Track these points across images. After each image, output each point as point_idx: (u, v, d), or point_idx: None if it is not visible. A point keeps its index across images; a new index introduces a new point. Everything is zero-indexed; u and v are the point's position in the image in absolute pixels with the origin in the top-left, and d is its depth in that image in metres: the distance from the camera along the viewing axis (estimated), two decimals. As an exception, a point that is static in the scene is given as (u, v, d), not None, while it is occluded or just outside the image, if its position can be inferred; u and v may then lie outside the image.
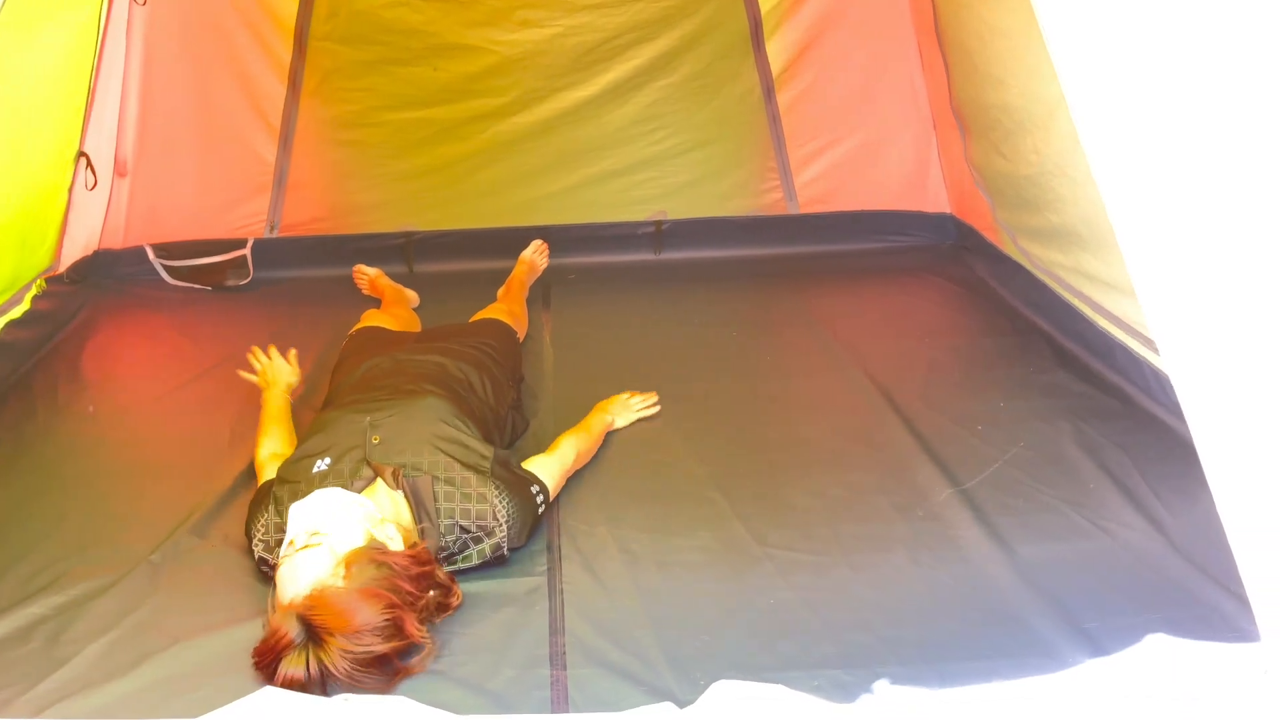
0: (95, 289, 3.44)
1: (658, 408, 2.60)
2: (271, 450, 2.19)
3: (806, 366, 2.92)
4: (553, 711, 1.63)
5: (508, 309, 3.00)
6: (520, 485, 2.03)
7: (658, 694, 1.63)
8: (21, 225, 2.66)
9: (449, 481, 1.94)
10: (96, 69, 2.96)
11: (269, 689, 1.40)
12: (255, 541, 1.91)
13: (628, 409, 2.56)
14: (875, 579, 1.95)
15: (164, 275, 3.56)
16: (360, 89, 3.41)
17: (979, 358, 2.94)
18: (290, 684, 1.54)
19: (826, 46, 3.48)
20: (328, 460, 1.96)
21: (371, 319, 2.88)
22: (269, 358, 2.52)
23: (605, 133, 3.51)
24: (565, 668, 1.72)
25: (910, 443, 2.45)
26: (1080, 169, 2.49)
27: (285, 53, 3.35)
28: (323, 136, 3.46)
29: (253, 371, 2.52)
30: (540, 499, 2.06)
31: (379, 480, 1.92)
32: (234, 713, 1.37)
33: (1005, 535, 2.06)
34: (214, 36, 3.31)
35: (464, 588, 1.89)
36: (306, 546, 1.72)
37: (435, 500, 1.91)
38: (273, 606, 1.70)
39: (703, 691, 1.56)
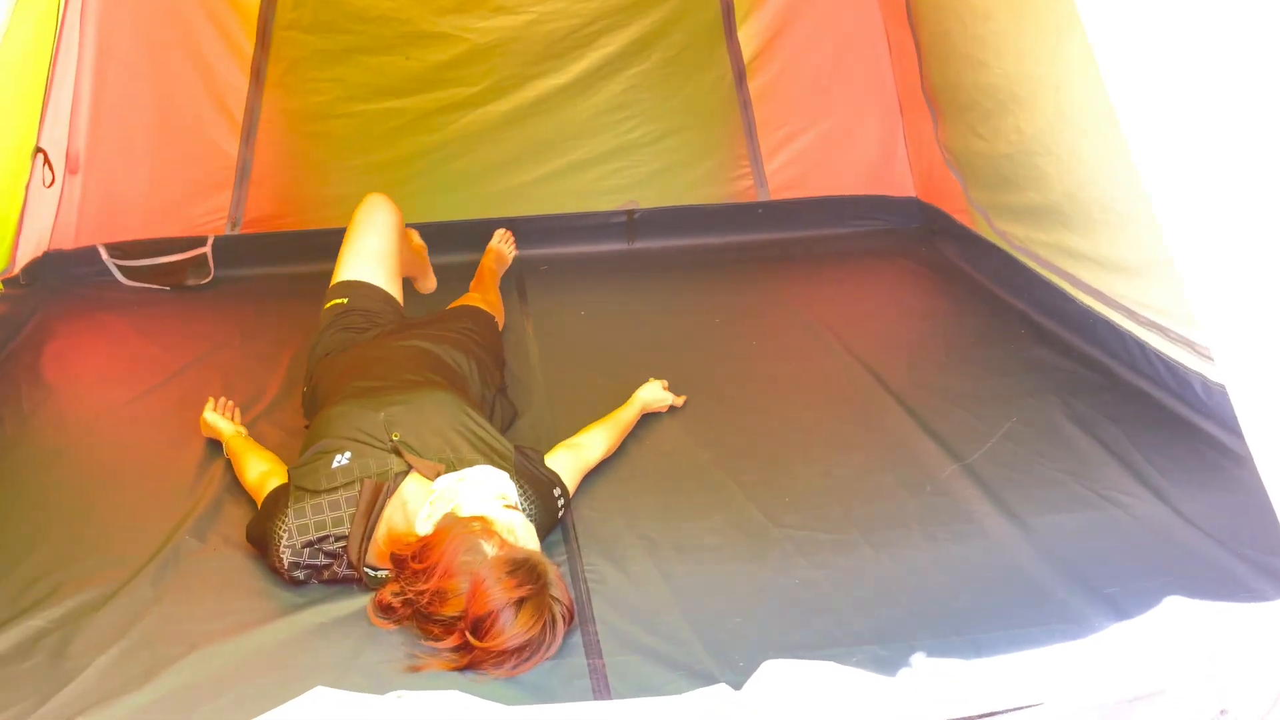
0: (47, 292, 3.30)
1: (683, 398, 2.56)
2: (261, 470, 2.10)
3: (793, 350, 2.93)
4: (595, 699, 1.60)
5: (482, 297, 2.95)
6: (543, 486, 1.99)
7: (698, 677, 1.62)
8: (-20, 226, 2.53)
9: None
10: (54, 60, 2.82)
11: (321, 689, 1.35)
12: (283, 547, 1.83)
13: (657, 391, 2.51)
14: (895, 555, 1.96)
15: (118, 276, 3.42)
16: (328, 79, 3.31)
17: (959, 337, 2.98)
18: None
19: (796, 32, 3.49)
20: (348, 455, 1.89)
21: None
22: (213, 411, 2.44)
23: (577, 122, 3.47)
24: (601, 655, 1.69)
25: (907, 421, 2.47)
26: (1065, 146, 2.55)
27: (248, 42, 3.23)
28: (288, 129, 3.36)
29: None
30: (561, 502, 2.03)
31: (409, 475, 1.86)
32: (290, 713, 1.32)
33: (1014, 508, 2.09)
34: (171, 24, 3.18)
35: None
36: (512, 507, 1.75)
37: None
38: (496, 544, 1.63)
39: (743, 672, 1.56)
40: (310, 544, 1.82)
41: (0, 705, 1.59)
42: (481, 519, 1.65)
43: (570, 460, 2.13)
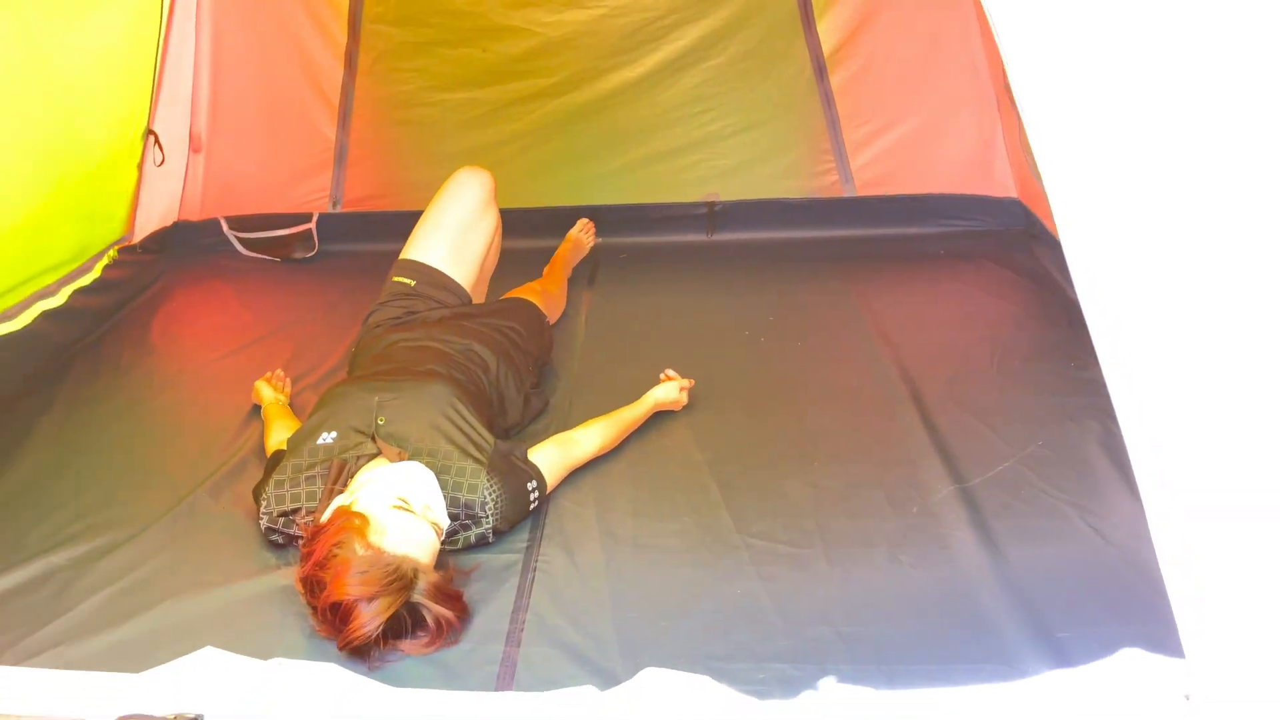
0: (174, 258, 3.65)
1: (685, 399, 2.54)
2: (278, 439, 2.27)
3: (835, 354, 2.87)
4: (497, 689, 1.67)
5: (543, 288, 3.03)
6: (517, 478, 2.07)
7: (603, 677, 1.65)
8: (84, 199, 2.85)
9: (444, 470, 1.99)
10: (163, 52, 3.12)
11: (209, 649, 1.49)
12: (261, 514, 2.01)
13: (672, 391, 2.51)
14: (850, 575, 1.92)
15: (237, 246, 3.74)
16: (412, 69, 3.50)
17: (1020, 350, 2.83)
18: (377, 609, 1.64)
19: (881, 23, 3.38)
20: (333, 435, 2.04)
21: None
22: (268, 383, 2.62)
23: (654, 114, 3.50)
24: (519, 645, 1.76)
25: (922, 437, 2.38)
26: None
27: (341, 33, 3.46)
28: (379, 115, 3.57)
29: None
30: (535, 495, 2.10)
31: (378, 458, 1.99)
32: (176, 668, 1.46)
33: (997, 537, 2.00)
34: (275, 18, 3.44)
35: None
36: (420, 516, 1.81)
37: None
38: (362, 544, 1.70)
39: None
40: (285, 514, 1.98)
41: (4, 628, 1.83)
42: (361, 516, 1.74)
43: (556, 455, 2.19)
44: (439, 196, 2.67)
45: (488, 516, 1.98)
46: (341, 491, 1.91)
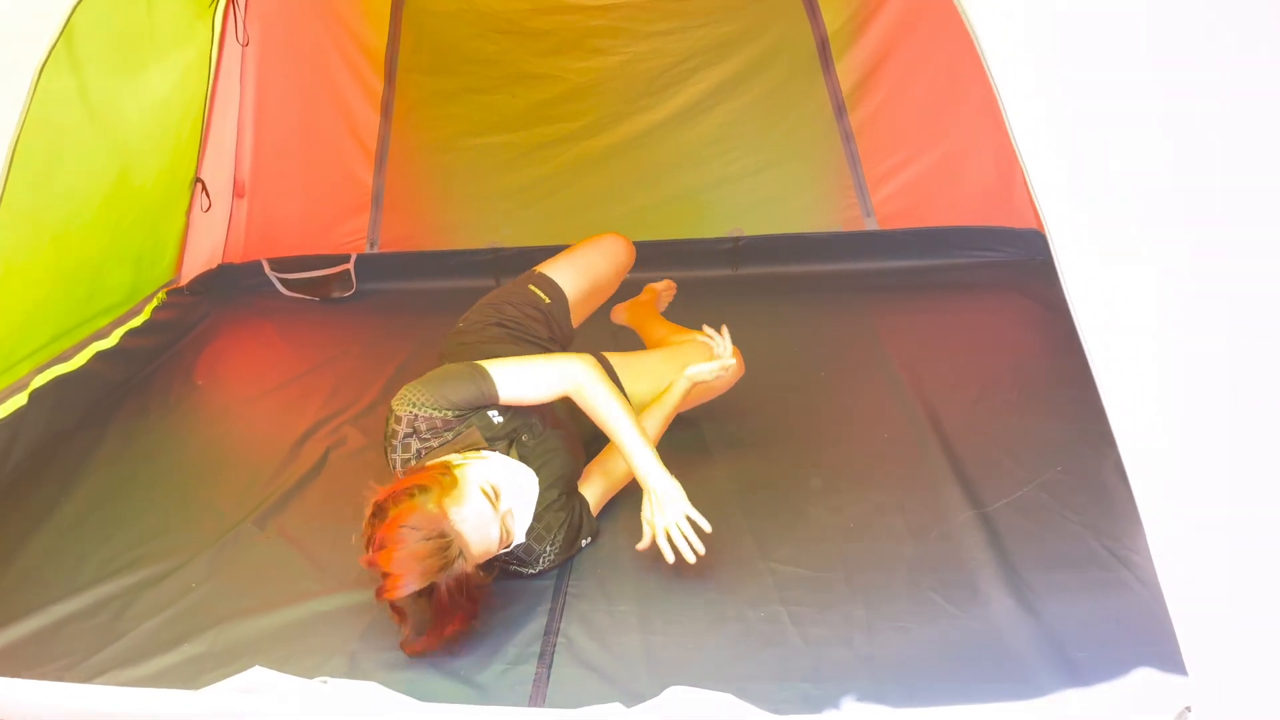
0: (219, 299, 3.79)
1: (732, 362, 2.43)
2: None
3: (858, 383, 2.94)
4: (529, 705, 1.75)
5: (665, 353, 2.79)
6: (574, 536, 2.15)
7: (631, 696, 1.72)
8: (136, 244, 2.99)
9: (539, 516, 2.05)
10: (210, 104, 3.28)
11: (259, 668, 1.58)
12: (410, 408, 2.02)
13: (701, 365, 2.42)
14: (870, 598, 1.98)
15: (279, 287, 3.87)
16: (445, 116, 3.64)
17: (1040, 377, 2.88)
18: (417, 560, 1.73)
19: (897, 62, 3.47)
20: (501, 418, 2.11)
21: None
22: None
23: (679, 153, 3.61)
24: (550, 666, 1.84)
25: (942, 463, 2.44)
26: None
27: (378, 83, 3.61)
28: (414, 160, 3.70)
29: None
30: (585, 543, 2.19)
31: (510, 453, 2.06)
32: (228, 687, 1.56)
33: (1016, 560, 2.05)
34: (316, 69, 3.60)
35: (474, 586, 2.05)
36: (497, 514, 1.87)
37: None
38: (435, 501, 1.79)
39: (665, 695, 1.66)
40: (417, 432, 2.02)
41: (60, 654, 1.93)
42: (454, 478, 1.83)
43: (601, 489, 2.28)
44: (595, 246, 2.74)
45: (534, 564, 2.07)
46: (458, 453, 1.99)
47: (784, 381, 2.97)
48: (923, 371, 2.94)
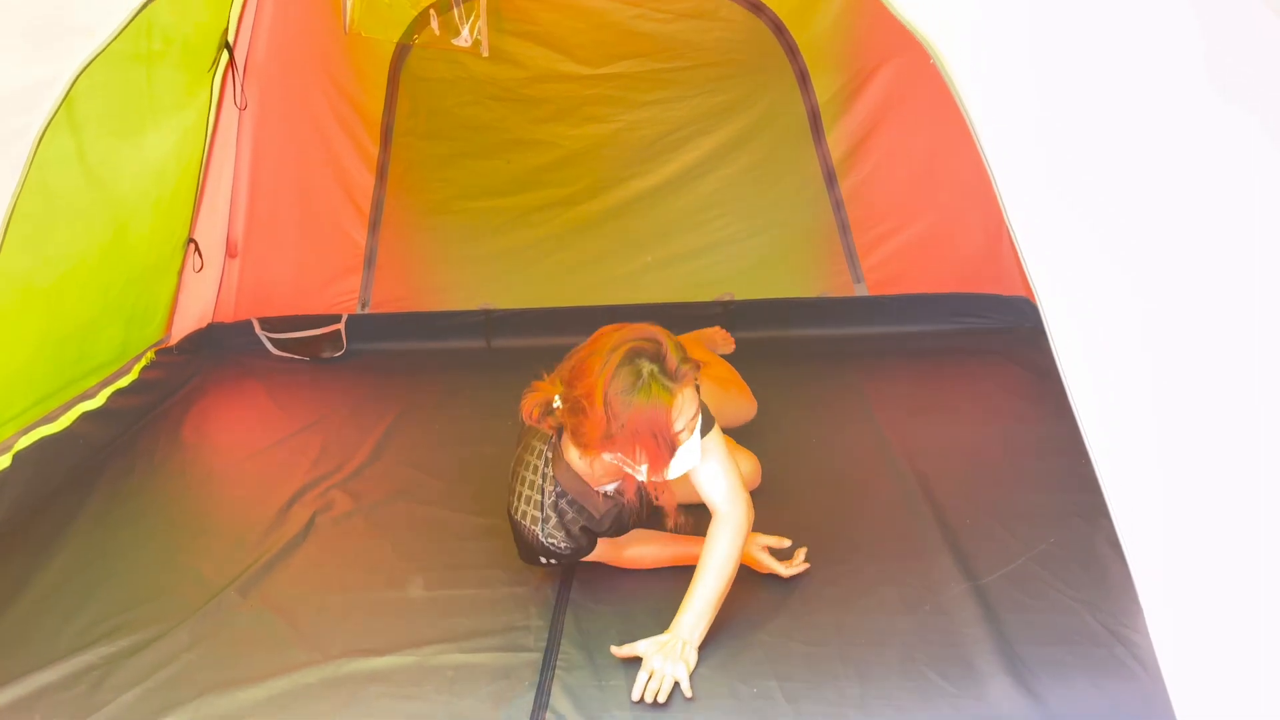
0: (208, 359, 3.77)
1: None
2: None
3: (848, 450, 2.93)
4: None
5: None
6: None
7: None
8: (128, 304, 2.98)
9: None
10: (206, 166, 3.30)
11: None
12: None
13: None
14: (864, 674, 1.95)
15: (268, 346, 3.86)
16: (440, 179, 3.66)
17: (1031, 447, 2.88)
18: None
19: (888, 132, 3.52)
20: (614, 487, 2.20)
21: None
22: None
23: (671, 219, 3.63)
24: (540, 735, 1.80)
25: (935, 533, 2.43)
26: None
27: (373, 147, 3.64)
28: (408, 222, 3.72)
29: None
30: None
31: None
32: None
33: (1011, 636, 2.03)
34: (312, 133, 3.62)
35: (461, 659, 2.02)
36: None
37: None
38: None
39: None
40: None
41: (36, 726, 1.89)
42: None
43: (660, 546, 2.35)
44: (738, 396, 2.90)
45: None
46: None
47: (774, 447, 2.95)
48: (914, 438, 2.94)
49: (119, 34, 1.63)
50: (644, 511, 2.31)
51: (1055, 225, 1.66)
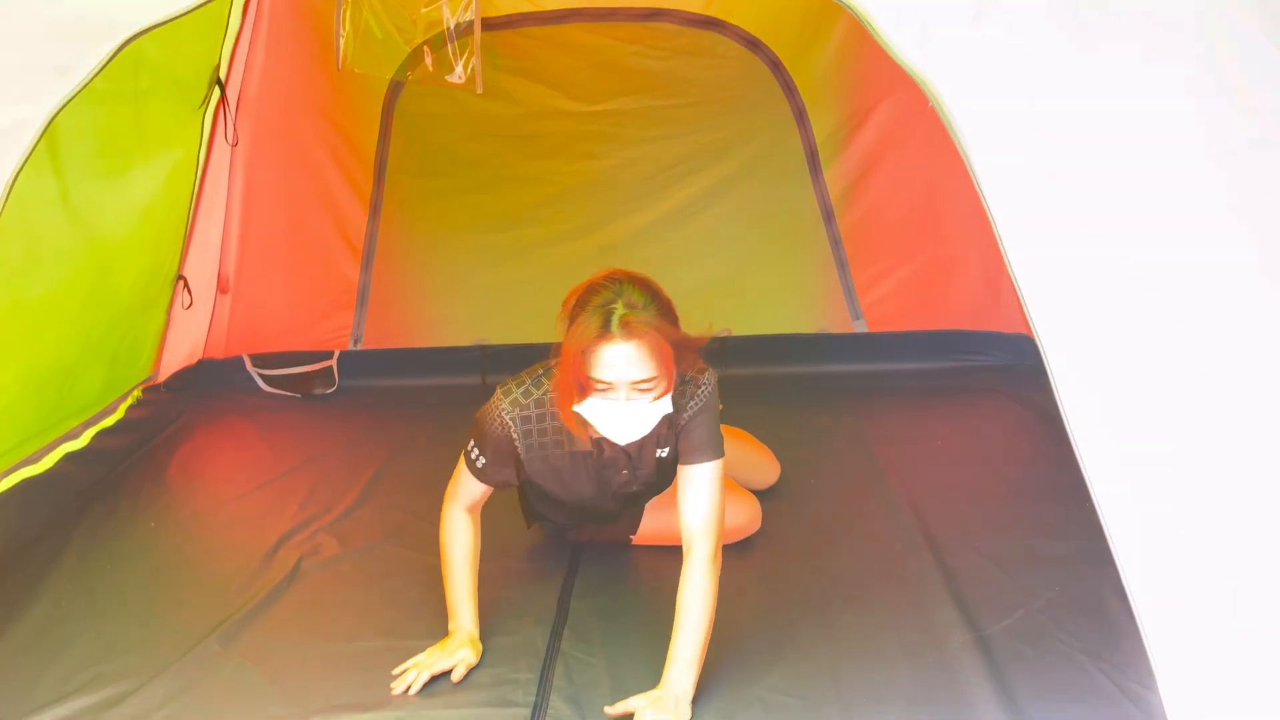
0: (197, 396, 3.71)
1: None
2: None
3: (848, 492, 2.87)
4: None
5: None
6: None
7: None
8: (112, 344, 2.93)
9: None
10: (197, 202, 3.27)
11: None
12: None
13: None
14: (864, 733, 1.89)
15: (259, 383, 3.81)
16: (434, 215, 3.63)
17: (1034, 490, 2.82)
18: None
19: (886, 170, 3.50)
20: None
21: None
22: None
23: (666, 255, 3.58)
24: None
25: (937, 580, 2.37)
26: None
27: (367, 182, 3.61)
28: (401, 257, 3.68)
29: None
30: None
31: None
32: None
33: (1016, 691, 1.96)
34: (305, 169, 3.60)
35: (446, 715, 1.95)
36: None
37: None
38: None
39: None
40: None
41: (6, 786, 1.81)
42: None
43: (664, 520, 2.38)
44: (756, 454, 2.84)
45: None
46: None
47: (771, 489, 2.90)
48: (914, 480, 2.89)
49: (98, 73, 1.59)
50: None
51: (1055, 263, 1.63)
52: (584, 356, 1.95)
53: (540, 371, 2.22)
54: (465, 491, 2.25)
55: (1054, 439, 3.13)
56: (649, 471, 2.31)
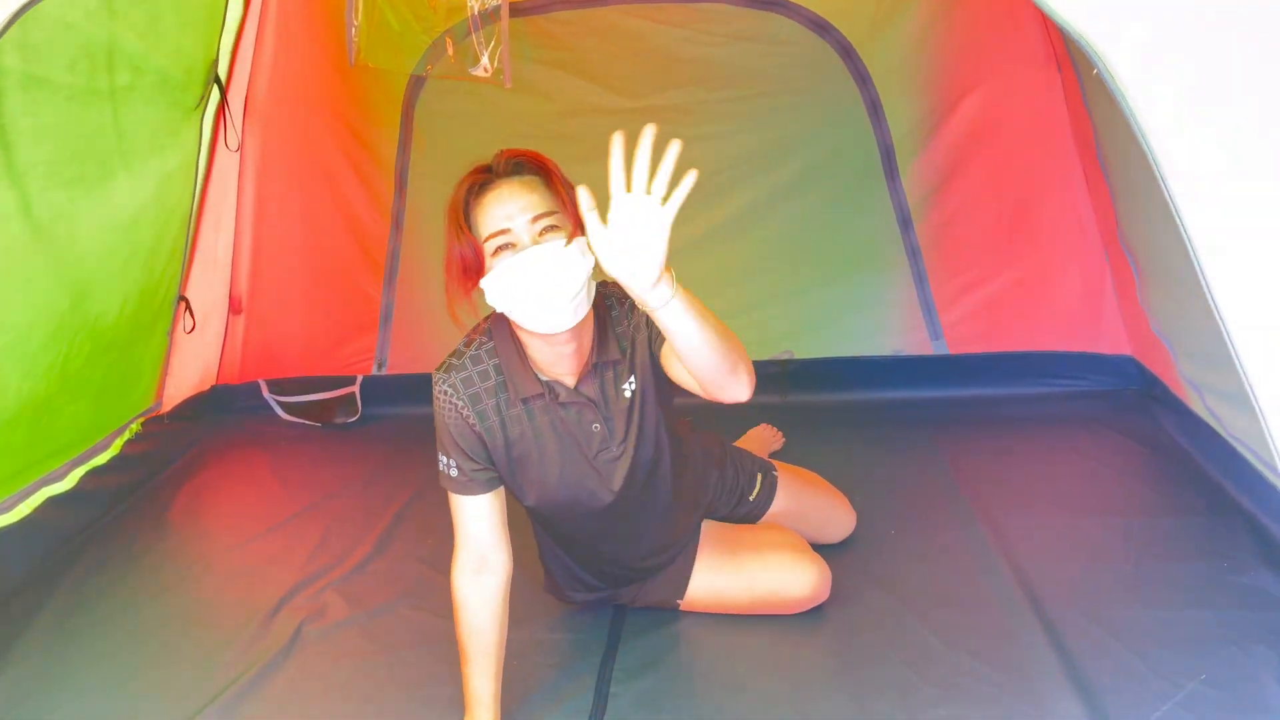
0: (210, 425, 3.43)
1: None
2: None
3: (933, 543, 2.46)
4: None
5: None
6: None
7: None
8: (95, 379, 2.61)
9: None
10: (198, 214, 2.97)
11: None
12: None
13: None
14: None
15: (277, 410, 3.53)
16: (458, 229, 3.33)
17: (1157, 544, 2.39)
18: None
19: (972, 172, 3.14)
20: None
21: None
22: None
23: (726, 266, 3.26)
24: None
25: (1050, 662, 1.97)
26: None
27: (388, 192, 3.34)
28: (427, 274, 3.39)
29: None
30: None
31: None
32: None
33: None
34: (321, 177, 3.32)
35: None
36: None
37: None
38: None
39: None
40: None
41: None
42: None
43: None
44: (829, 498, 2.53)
45: None
46: None
47: (843, 542, 2.51)
48: (1010, 530, 2.48)
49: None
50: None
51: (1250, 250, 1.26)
52: (468, 219, 1.69)
53: (462, 342, 1.92)
54: (467, 532, 1.88)
55: (1173, 479, 2.74)
56: (626, 426, 1.89)
